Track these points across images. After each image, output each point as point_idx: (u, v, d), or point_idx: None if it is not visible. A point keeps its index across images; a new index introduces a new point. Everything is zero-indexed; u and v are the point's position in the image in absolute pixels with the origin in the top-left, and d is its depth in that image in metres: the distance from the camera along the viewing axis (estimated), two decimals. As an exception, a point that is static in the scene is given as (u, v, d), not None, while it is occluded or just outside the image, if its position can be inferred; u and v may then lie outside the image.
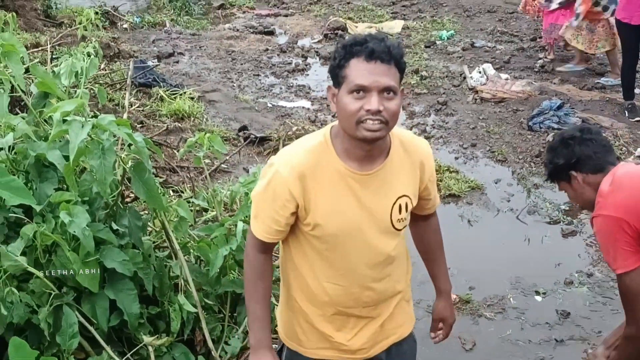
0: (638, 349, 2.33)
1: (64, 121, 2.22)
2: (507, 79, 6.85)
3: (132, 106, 5.85)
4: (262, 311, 2.00)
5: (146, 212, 3.26)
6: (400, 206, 1.95)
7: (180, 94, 6.21)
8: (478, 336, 3.52)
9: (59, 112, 2.15)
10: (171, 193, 4.25)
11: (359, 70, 1.76)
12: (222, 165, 5.04)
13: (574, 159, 2.35)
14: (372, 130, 1.78)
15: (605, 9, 6.54)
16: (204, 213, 3.86)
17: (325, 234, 1.91)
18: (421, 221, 2.19)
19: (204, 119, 5.92)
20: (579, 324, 3.60)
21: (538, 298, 3.79)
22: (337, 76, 1.82)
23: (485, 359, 3.38)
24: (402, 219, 1.96)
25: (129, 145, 2.39)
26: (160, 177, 4.37)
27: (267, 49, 8.06)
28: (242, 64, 7.56)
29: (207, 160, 4.96)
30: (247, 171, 5.13)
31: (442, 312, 2.26)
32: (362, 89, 1.76)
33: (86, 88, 2.99)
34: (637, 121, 5.92)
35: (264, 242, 1.97)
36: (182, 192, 4.27)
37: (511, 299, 3.82)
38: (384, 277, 2.00)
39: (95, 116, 2.40)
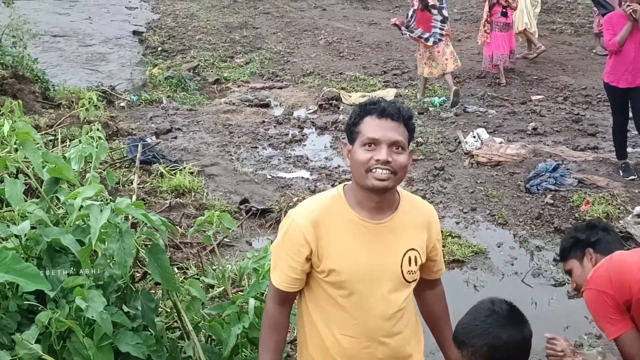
0: None
1: (80, 207, 2.27)
2: (501, 143, 6.98)
3: (132, 183, 5.90)
4: (273, 349, 2.11)
5: (154, 291, 3.26)
6: (410, 258, 2.07)
7: (180, 170, 6.29)
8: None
9: (80, 198, 2.20)
10: (176, 270, 4.24)
11: (371, 126, 1.99)
12: (225, 239, 5.06)
13: (595, 239, 2.62)
14: (381, 179, 1.95)
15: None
16: (210, 289, 3.85)
17: (340, 280, 2.03)
18: (427, 289, 2.29)
19: (205, 194, 5.97)
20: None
21: (542, 365, 3.76)
22: (352, 132, 2.04)
23: None
24: (412, 271, 2.08)
25: (144, 226, 2.42)
26: (165, 254, 4.38)
27: (263, 121, 8.21)
28: (239, 137, 7.68)
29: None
30: (250, 244, 5.15)
31: None
32: (374, 141, 1.97)
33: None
34: (632, 179, 6.02)
35: (282, 292, 2.09)
36: (187, 268, 4.27)
37: (524, 365, 3.78)
38: (396, 333, 2.08)
39: (107, 200, 2.46)
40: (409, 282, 2.09)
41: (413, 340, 2.15)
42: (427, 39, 8.32)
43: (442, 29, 8.33)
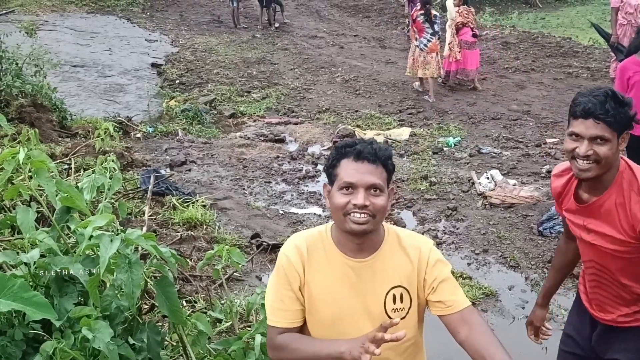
0: None
1: (91, 236, 2.27)
2: (515, 185, 6.94)
3: (143, 214, 5.93)
4: (316, 340, 2.05)
5: (161, 324, 3.24)
6: (394, 296, 2.04)
7: (193, 202, 6.31)
8: None
9: (91, 227, 2.21)
10: (184, 303, 4.22)
11: (347, 169, 1.97)
12: (235, 273, 5.04)
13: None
14: (359, 223, 1.95)
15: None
16: (217, 324, 3.82)
17: (322, 319, 2.03)
18: (462, 327, 2.03)
19: (216, 227, 5.97)
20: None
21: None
22: (330, 175, 2.03)
23: None
24: (397, 309, 2.04)
25: (153, 258, 2.42)
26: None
27: (277, 156, 8.25)
28: (253, 172, 7.71)
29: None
30: (260, 279, 5.12)
31: None
32: (350, 185, 1.96)
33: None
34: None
35: (277, 329, 2.08)
36: (196, 302, 4.25)
37: (534, 411, 3.71)
38: None
39: (118, 230, 2.46)
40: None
41: None
42: (416, 40, 10.31)
43: (429, 41, 10.20)
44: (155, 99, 10.89)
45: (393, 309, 2.04)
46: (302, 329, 2.13)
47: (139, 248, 2.64)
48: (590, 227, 2.41)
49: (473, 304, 4.84)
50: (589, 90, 2.29)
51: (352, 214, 1.95)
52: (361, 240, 2.02)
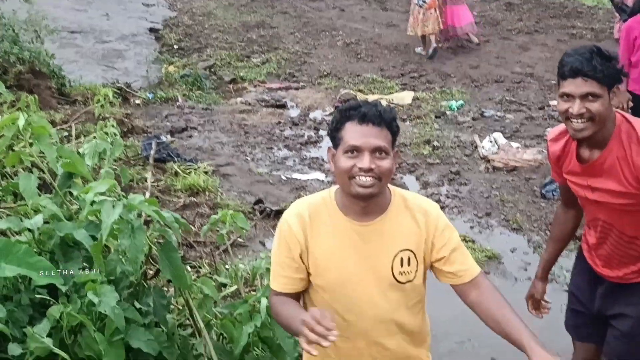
0: None
1: (92, 202, 2.26)
2: (518, 148, 6.92)
3: (145, 181, 5.92)
4: (292, 307, 2.04)
5: (166, 289, 3.25)
6: (402, 259, 2.02)
7: (195, 169, 6.29)
8: (503, 411, 3.45)
9: (92, 192, 2.19)
10: (189, 269, 4.24)
11: (352, 133, 1.95)
12: (239, 239, 5.05)
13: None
14: (365, 186, 1.93)
15: None
16: (222, 288, 3.85)
17: (328, 283, 2.02)
18: (472, 292, 2.07)
19: (219, 193, 5.96)
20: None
21: (561, 366, 3.71)
22: (334, 138, 2.00)
23: None
24: (404, 272, 2.03)
25: (156, 222, 2.42)
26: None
27: (279, 122, 8.20)
28: (255, 138, 7.68)
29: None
30: (264, 245, 5.14)
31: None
32: (355, 149, 1.94)
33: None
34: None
35: (273, 290, 2.12)
36: (200, 267, 4.27)
37: (537, 371, 3.74)
38: (394, 334, 2.05)
39: (120, 196, 2.45)
40: (403, 283, 2.04)
41: (416, 341, 2.13)
42: None
43: None
44: (154, 64, 10.77)
45: (400, 272, 2.03)
46: (305, 296, 2.13)
47: (142, 214, 2.63)
48: (595, 185, 2.40)
49: (476, 266, 4.89)
50: (574, 49, 2.30)
51: (357, 177, 1.93)
52: (366, 203, 2.00)
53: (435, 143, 7.28)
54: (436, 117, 8.17)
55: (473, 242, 5.23)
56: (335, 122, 2.01)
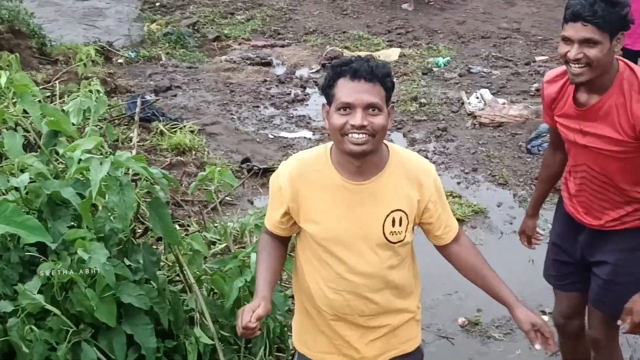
0: None
1: (80, 159, 2.25)
2: (504, 104, 6.92)
3: (131, 141, 5.88)
4: (264, 271, 2.14)
5: (155, 247, 3.27)
6: (393, 219, 2.03)
7: (180, 128, 6.24)
8: (488, 357, 3.60)
9: (79, 150, 2.18)
10: (178, 227, 4.25)
11: (344, 89, 1.92)
12: (227, 197, 5.05)
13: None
14: (358, 143, 1.92)
15: None
16: (212, 246, 3.87)
17: (321, 238, 2.05)
18: (451, 246, 2.19)
19: (206, 152, 5.94)
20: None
21: (545, 317, 3.79)
22: (327, 95, 1.99)
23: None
24: (395, 232, 2.04)
25: (144, 179, 2.41)
26: (167, 211, 4.38)
27: (265, 80, 8.12)
28: (240, 96, 7.61)
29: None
30: (252, 203, 5.15)
31: (528, 319, 2.06)
32: (348, 106, 1.92)
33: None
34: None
35: (271, 233, 2.18)
36: (189, 226, 4.28)
37: (519, 320, 3.84)
38: (381, 289, 2.08)
39: (107, 153, 2.44)
40: (394, 243, 2.06)
41: (404, 294, 2.15)
42: None
43: None
44: (136, 22, 10.57)
45: (391, 232, 2.04)
46: (297, 241, 2.18)
47: (130, 172, 2.63)
48: (587, 129, 2.40)
49: (462, 221, 4.94)
50: None
51: (350, 135, 1.91)
52: (361, 162, 1.98)
53: (422, 100, 7.26)
54: (423, 73, 8.13)
55: (460, 197, 5.28)
56: (327, 79, 1.98)
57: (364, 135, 1.91)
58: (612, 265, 2.55)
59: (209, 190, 2.90)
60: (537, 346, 2.04)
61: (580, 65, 2.25)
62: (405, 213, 2.04)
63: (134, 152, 3.94)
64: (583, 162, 2.51)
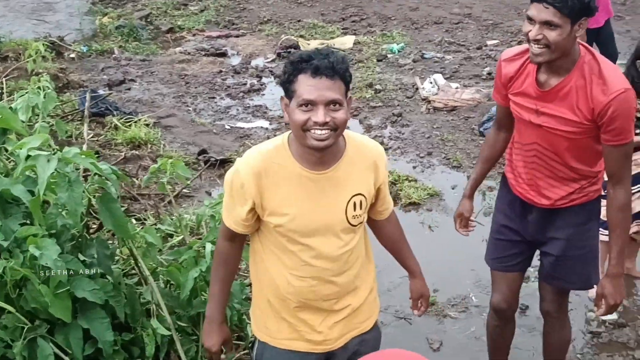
0: (630, 214, 2.58)
1: (27, 157, 2.24)
2: (457, 88, 7.05)
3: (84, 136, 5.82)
4: (219, 291, 2.24)
5: (111, 241, 3.26)
6: (354, 204, 2.11)
7: (135, 122, 6.19)
8: (444, 335, 3.68)
9: (26, 148, 2.17)
10: (134, 221, 4.24)
11: (306, 86, 1.93)
12: (184, 190, 5.05)
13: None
14: (320, 139, 1.96)
15: None
16: (169, 239, 3.87)
17: (286, 229, 2.08)
18: (384, 221, 2.37)
19: (162, 145, 5.91)
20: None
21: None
22: (287, 90, 2.00)
23: (453, 356, 3.50)
24: (357, 215, 2.13)
25: (94, 175, 2.41)
26: (122, 206, 4.36)
27: (220, 71, 8.09)
28: (196, 87, 7.57)
29: (168, 186, 4.96)
30: (210, 194, 5.15)
31: (420, 290, 2.48)
32: (310, 102, 1.94)
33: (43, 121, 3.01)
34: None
35: (232, 231, 2.16)
36: (145, 219, 4.27)
37: (473, 297, 3.99)
38: (343, 272, 2.16)
39: (54, 150, 2.43)
40: (355, 226, 2.14)
41: (362, 273, 2.23)
42: None
43: None
44: (87, 16, 10.38)
45: (353, 215, 2.11)
46: (259, 237, 2.18)
47: (81, 168, 2.62)
48: (543, 110, 2.46)
49: (418, 204, 5.05)
50: None
51: (312, 131, 1.94)
52: (322, 153, 2.03)
53: (378, 86, 7.35)
54: (378, 60, 8.21)
55: (415, 181, 5.38)
56: (287, 74, 1.98)
57: (327, 131, 1.94)
58: (564, 240, 2.64)
59: (161, 183, 2.91)
60: (416, 312, 2.52)
61: (539, 46, 2.30)
62: (364, 196, 2.13)
63: (84, 147, 3.91)
64: (534, 141, 2.56)
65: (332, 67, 1.93)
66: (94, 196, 2.51)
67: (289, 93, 1.99)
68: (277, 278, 2.14)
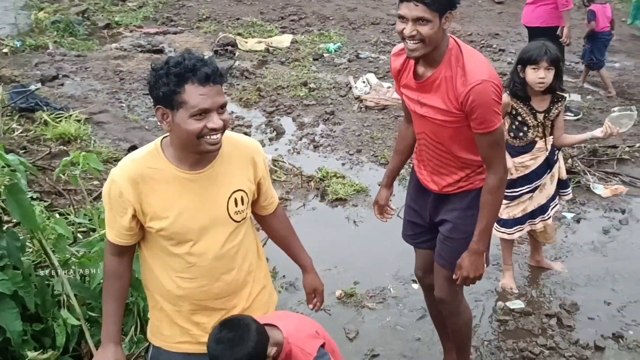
0: (501, 199, 2.71)
1: None
2: (388, 88, 7.23)
3: (14, 132, 5.74)
4: (113, 308, 2.18)
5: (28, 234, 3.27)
6: (235, 200, 2.15)
7: (66, 117, 6.14)
8: (361, 325, 3.80)
9: None
10: (57, 216, 4.23)
11: (197, 96, 1.93)
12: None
13: None
14: (215, 143, 2.01)
15: None
16: (91, 233, 3.88)
17: (170, 232, 2.09)
18: (271, 217, 2.44)
19: (92, 141, 5.88)
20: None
21: (415, 286, 4.08)
22: (171, 100, 1.94)
23: (368, 345, 3.63)
24: (239, 211, 2.17)
25: (3, 167, 2.44)
26: (45, 201, 4.35)
27: (156, 68, 8.07)
28: (130, 84, 7.54)
29: (96, 182, 4.96)
30: (138, 189, 5.15)
31: (312, 284, 2.52)
32: (205, 111, 1.95)
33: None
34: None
35: (117, 245, 2.14)
36: (69, 214, 4.26)
37: (391, 289, 4.12)
38: (232, 269, 2.19)
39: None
40: (238, 222, 2.18)
41: (252, 270, 2.28)
42: None
43: None
44: (23, 10, 10.22)
45: (236, 211, 2.16)
46: (142, 245, 2.18)
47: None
48: (423, 101, 2.64)
49: (345, 200, 5.18)
50: None
51: (208, 137, 1.97)
52: (209, 155, 2.08)
53: (312, 85, 7.47)
54: (314, 59, 8.34)
55: (343, 177, 5.51)
56: (170, 84, 1.92)
57: (220, 134, 2.01)
58: (451, 223, 2.84)
59: (74, 175, 2.94)
60: (310, 306, 2.53)
61: (414, 42, 2.48)
62: (245, 192, 2.18)
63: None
64: (422, 131, 2.76)
65: (219, 73, 1.98)
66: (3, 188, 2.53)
67: (174, 104, 1.94)
68: (166, 283, 2.15)
